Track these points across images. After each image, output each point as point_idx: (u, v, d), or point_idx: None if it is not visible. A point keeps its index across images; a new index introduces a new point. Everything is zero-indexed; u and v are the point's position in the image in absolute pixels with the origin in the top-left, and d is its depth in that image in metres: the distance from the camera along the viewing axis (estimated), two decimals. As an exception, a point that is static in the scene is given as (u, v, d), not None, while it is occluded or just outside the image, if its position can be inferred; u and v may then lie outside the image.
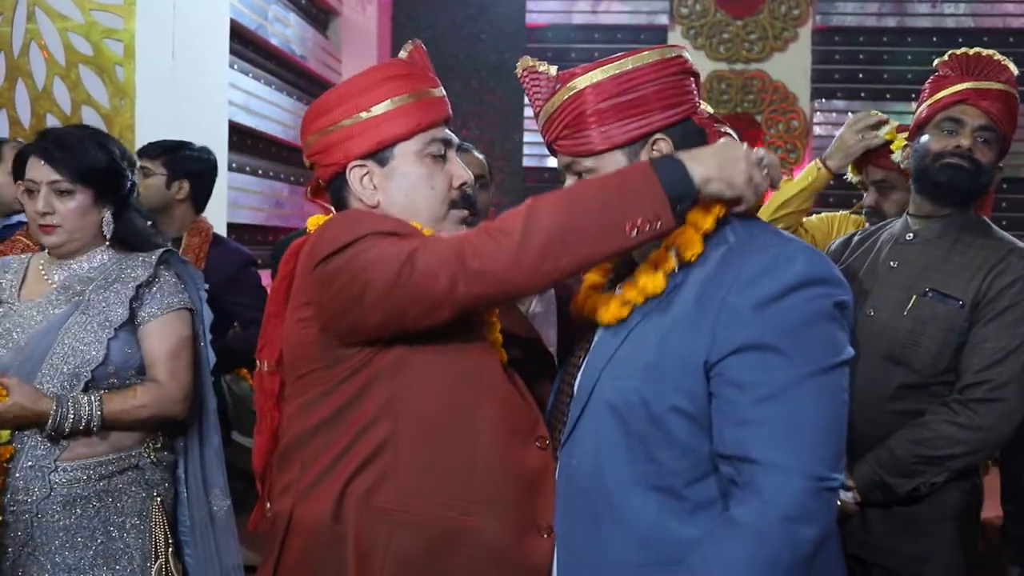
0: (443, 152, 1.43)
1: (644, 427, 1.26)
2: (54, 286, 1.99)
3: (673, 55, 1.35)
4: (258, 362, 1.48)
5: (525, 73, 1.40)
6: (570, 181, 1.39)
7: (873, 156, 2.71)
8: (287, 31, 5.10)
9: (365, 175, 1.41)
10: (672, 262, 1.30)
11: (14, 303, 1.97)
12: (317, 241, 1.33)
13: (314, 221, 1.47)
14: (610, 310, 1.34)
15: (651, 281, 1.30)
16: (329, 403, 1.34)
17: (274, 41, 4.88)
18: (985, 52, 2.12)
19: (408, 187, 1.40)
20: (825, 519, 1.20)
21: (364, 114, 1.38)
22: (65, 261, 2.02)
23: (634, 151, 1.33)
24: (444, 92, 1.47)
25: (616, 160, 1.33)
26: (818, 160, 2.65)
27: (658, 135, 1.33)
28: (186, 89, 3.57)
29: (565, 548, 1.34)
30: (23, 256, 2.09)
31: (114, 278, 1.99)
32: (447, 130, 1.46)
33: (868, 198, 2.82)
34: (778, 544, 1.16)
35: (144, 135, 3.20)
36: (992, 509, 2.24)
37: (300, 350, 1.37)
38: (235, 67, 4.36)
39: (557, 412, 1.44)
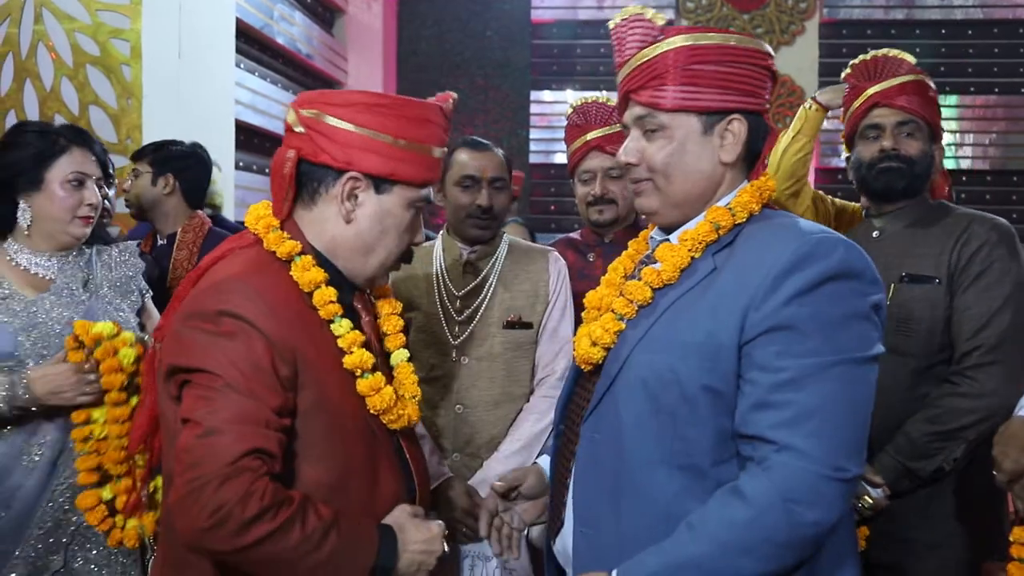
0: (422, 208, 1.48)
1: (675, 404, 1.26)
2: (50, 279, 1.99)
3: (768, 51, 1.39)
4: (153, 340, 1.46)
5: (627, 20, 1.41)
6: (635, 135, 1.38)
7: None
8: (293, 30, 5.10)
9: (356, 189, 1.40)
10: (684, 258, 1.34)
11: (22, 296, 1.96)
12: (198, 296, 1.35)
13: (254, 212, 1.44)
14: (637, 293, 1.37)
15: (669, 269, 1.34)
16: None
17: (280, 40, 4.89)
18: (881, 52, 2.23)
19: (387, 225, 1.43)
20: (834, 507, 1.20)
21: (395, 140, 1.38)
22: (53, 253, 2.02)
23: (711, 123, 1.35)
24: None
25: (690, 124, 1.34)
26: (809, 98, 2.66)
27: (736, 116, 1.35)
28: (192, 88, 3.58)
29: (583, 522, 1.35)
30: None
31: (108, 270, 2.08)
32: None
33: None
34: (776, 521, 1.18)
35: (151, 134, 3.21)
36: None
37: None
38: (241, 66, 4.36)
39: (579, 390, 1.44)
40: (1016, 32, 5.76)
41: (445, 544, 1.41)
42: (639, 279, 1.37)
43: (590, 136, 2.40)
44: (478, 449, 2.11)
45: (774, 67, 1.40)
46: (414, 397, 1.51)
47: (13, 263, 1.98)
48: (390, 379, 1.51)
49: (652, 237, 1.47)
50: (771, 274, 1.23)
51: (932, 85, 2.17)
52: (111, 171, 2.76)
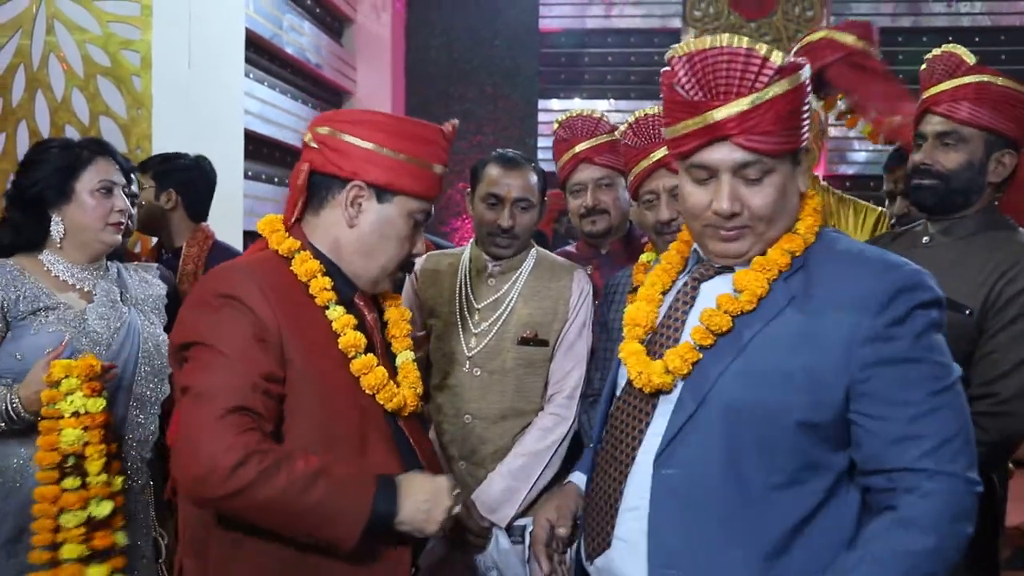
0: (423, 221, 1.58)
1: (774, 439, 1.26)
2: (89, 290, 2.06)
3: None
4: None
5: (719, 49, 1.24)
6: (728, 180, 1.28)
7: (897, 169, 2.68)
8: (302, 39, 5.13)
9: (360, 197, 1.52)
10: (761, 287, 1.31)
11: (70, 306, 2.01)
12: (200, 284, 1.52)
13: (266, 220, 1.57)
14: (715, 321, 1.32)
15: (751, 296, 1.30)
16: None
17: (289, 50, 4.91)
18: (945, 50, 2.01)
19: (387, 232, 1.54)
20: (975, 519, 1.26)
21: (396, 154, 1.51)
22: (88, 265, 2.08)
23: (798, 158, 1.32)
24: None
25: (788, 164, 1.31)
26: None
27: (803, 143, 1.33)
28: (202, 98, 3.60)
29: (667, 564, 1.29)
30: (6, 269, 2.01)
31: (144, 285, 2.17)
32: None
33: (899, 206, 2.77)
34: (952, 543, 1.23)
35: (161, 145, 3.23)
36: (1018, 515, 2.19)
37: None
38: (250, 76, 4.39)
39: (629, 409, 1.38)
40: (1023, 39, 5.75)
41: (457, 504, 1.44)
42: (714, 305, 1.32)
43: (578, 148, 2.39)
44: (483, 460, 2.11)
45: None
46: (413, 387, 1.58)
47: (52, 274, 2.03)
48: (394, 376, 1.57)
49: (695, 251, 1.42)
50: (871, 307, 1.24)
51: (1003, 84, 1.91)
52: (135, 181, 2.77)
